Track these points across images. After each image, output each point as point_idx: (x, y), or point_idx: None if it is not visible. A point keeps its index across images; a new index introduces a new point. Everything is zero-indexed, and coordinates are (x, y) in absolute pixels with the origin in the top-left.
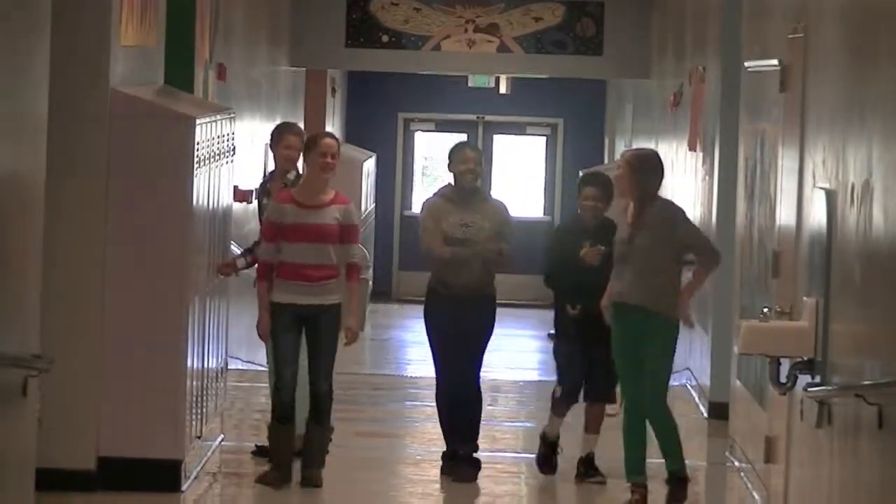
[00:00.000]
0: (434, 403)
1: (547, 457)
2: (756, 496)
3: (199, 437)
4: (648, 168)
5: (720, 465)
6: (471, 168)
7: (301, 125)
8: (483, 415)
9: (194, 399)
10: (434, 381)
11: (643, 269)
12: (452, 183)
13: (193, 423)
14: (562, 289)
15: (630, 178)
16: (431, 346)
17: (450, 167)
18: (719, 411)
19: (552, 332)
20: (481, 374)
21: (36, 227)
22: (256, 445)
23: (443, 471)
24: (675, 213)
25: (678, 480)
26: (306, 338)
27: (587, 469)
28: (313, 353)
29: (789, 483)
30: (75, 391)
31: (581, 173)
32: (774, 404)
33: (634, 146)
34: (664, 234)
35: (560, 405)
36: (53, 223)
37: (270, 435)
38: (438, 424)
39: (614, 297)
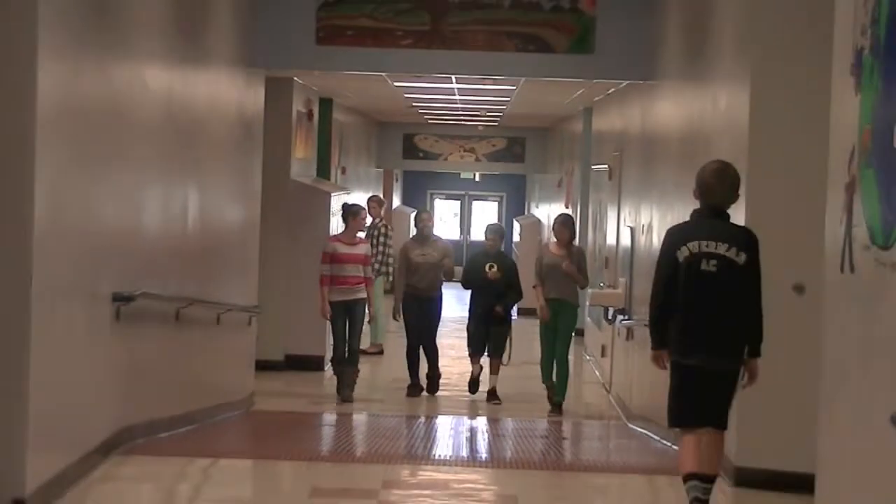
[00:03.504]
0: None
1: (472, 384)
2: (598, 373)
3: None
4: (572, 226)
5: (580, 359)
6: (430, 224)
7: (381, 195)
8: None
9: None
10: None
11: (565, 279)
12: (416, 231)
13: (330, 337)
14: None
15: (567, 233)
16: (405, 324)
17: (417, 223)
18: (580, 333)
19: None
20: (437, 337)
21: (255, 245)
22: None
23: (408, 393)
24: (579, 252)
25: (559, 405)
26: (348, 319)
27: (491, 396)
28: (351, 327)
29: (613, 367)
30: (275, 321)
31: (515, 220)
32: (605, 329)
33: (542, 205)
34: (575, 261)
35: (472, 357)
36: (264, 243)
37: (334, 371)
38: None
39: (550, 294)
